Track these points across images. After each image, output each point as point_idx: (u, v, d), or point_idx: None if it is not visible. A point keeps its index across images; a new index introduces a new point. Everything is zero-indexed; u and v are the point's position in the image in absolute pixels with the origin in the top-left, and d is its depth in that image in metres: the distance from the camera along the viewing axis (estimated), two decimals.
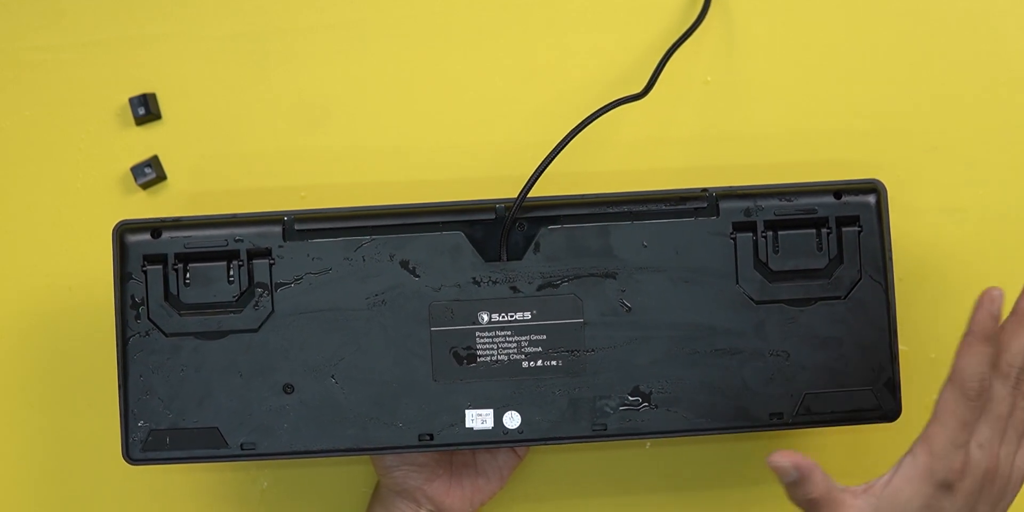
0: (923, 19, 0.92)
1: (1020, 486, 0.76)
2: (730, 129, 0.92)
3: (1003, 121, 0.93)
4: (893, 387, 0.83)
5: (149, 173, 0.92)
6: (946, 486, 0.73)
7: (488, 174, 0.92)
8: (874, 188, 0.83)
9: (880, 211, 0.83)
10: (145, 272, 0.81)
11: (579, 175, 0.91)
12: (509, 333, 0.83)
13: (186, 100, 0.92)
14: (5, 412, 0.93)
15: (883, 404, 0.83)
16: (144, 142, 0.92)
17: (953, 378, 0.74)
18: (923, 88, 0.92)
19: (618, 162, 0.92)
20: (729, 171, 0.92)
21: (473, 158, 0.92)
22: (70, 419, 0.93)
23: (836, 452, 0.92)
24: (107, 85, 0.92)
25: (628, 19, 0.92)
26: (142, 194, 0.92)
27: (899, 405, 0.83)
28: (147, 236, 0.82)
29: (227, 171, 0.92)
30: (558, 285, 0.82)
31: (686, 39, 0.88)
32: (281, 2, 0.92)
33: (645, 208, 0.83)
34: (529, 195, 0.83)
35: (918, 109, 0.92)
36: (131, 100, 0.91)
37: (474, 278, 0.82)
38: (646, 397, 0.82)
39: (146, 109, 0.91)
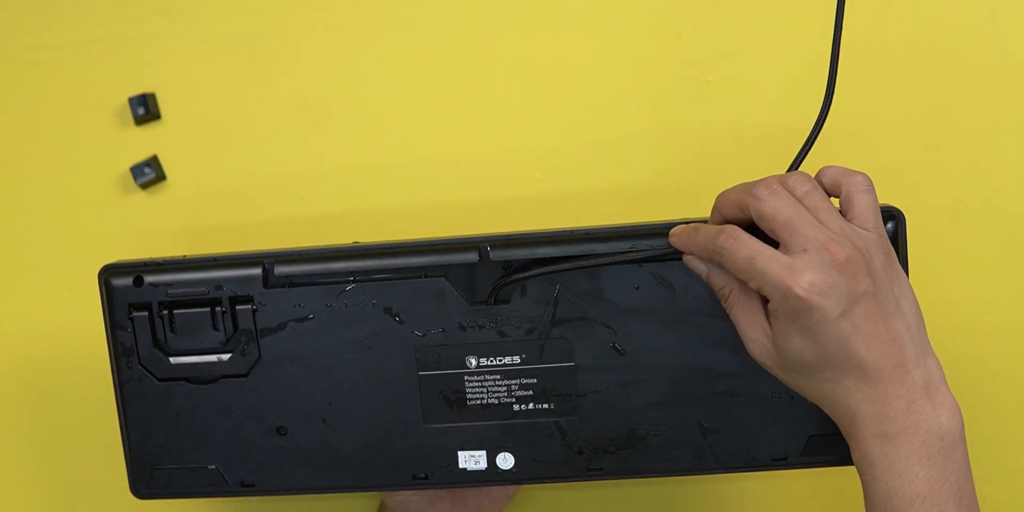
0: (924, 19, 0.92)
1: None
2: (730, 129, 0.92)
3: (1003, 121, 0.92)
4: None
5: (148, 173, 0.92)
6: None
7: (490, 174, 0.92)
8: (892, 216, 0.79)
9: (897, 242, 0.79)
10: (132, 319, 0.81)
11: (575, 193, 0.91)
12: (499, 377, 0.81)
13: (185, 100, 0.92)
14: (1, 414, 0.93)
15: None
16: (143, 142, 0.92)
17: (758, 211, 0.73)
18: (923, 88, 0.92)
19: (617, 168, 0.92)
20: (732, 175, 0.92)
21: (475, 157, 0.92)
22: (71, 430, 0.93)
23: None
24: (106, 85, 0.92)
25: (635, 18, 0.92)
26: (141, 194, 0.92)
27: None
28: (129, 282, 0.81)
29: (226, 171, 0.92)
30: (547, 329, 0.80)
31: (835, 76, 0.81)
32: (281, 2, 0.92)
33: (637, 250, 0.79)
34: (514, 230, 0.81)
35: (918, 109, 0.92)
36: (130, 100, 0.91)
37: (460, 323, 0.80)
38: (642, 439, 0.80)
39: (145, 109, 0.91)
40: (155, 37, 0.92)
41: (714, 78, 0.92)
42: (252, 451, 0.82)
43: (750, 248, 0.71)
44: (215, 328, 0.81)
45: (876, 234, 0.73)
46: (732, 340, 0.79)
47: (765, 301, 0.73)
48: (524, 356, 0.81)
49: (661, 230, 0.79)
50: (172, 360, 0.81)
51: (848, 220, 0.73)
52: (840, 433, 0.75)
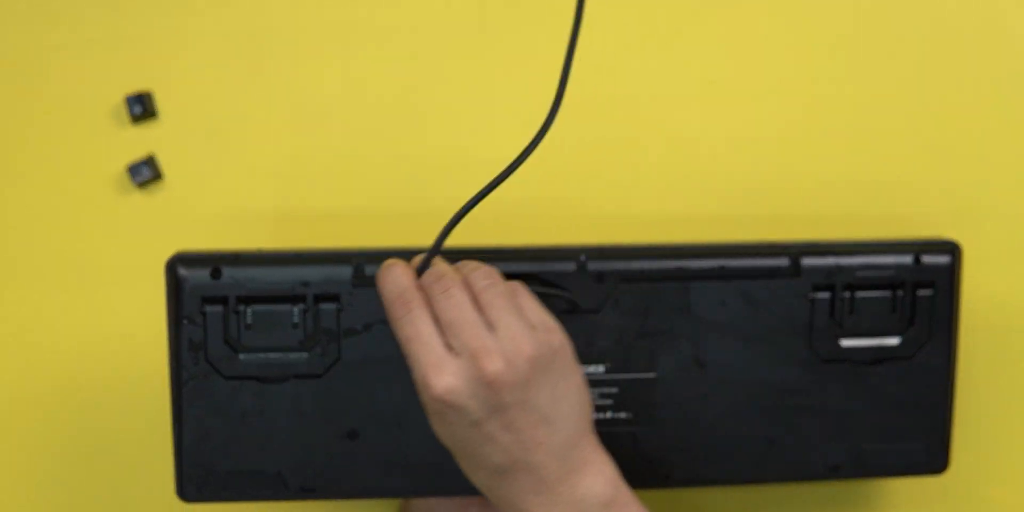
0: (925, 19, 0.93)
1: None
2: (731, 129, 0.92)
3: (1003, 121, 0.93)
4: (946, 443, 0.84)
5: (146, 172, 0.91)
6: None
7: (490, 172, 0.92)
8: (950, 250, 0.83)
9: (953, 274, 0.83)
10: (204, 313, 0.77)
11: (574, 191, 0.91)
12: None
13: (183, 99, 0.92)
14: (7, 412, 0.92)
15: (934, 459, 0.84)
16: (141, 141, 0.92)
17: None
18: (924, 88, 0.93)
19: (617, 166, 0.92)
20: (737, 177, 0.92)
21: (476, 158, 0.92)
22: (72, 434, 0.92)
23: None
24: (103, 83, 0.91)
25: (635, 17, 0.92)
26: (138, 193, 0.92)
27: (948, 459, 0.85)
28: (205, 274, 0.77)
29: (224, 170, 0.92)
30: (634, 340, 0.80)
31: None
32: (281, 2, 0.91)
33: (727, 267, 0.80)
34: (607, 242, 0.81)
35: (918, 109, 0.93)
36: (127, 99, 0.91)
37: None
38: (711, 449, 0.82)
39: (143, 108, 0.91)
40: (152, 36, 0.91)
41: (714, 78, 0.92)
42: (319, 455, 0.79)
43: (416, 327, 0.71)
44: (294, 326, 0.78)
45: (543, 329, 0.73)
46: (805, 357, 0.81)
47: None
48: (608, 366, 0.81)
49: (751, 250, 0.81)
50: (242, 357, 0.78)
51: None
52: (891, 445, 0.81)
